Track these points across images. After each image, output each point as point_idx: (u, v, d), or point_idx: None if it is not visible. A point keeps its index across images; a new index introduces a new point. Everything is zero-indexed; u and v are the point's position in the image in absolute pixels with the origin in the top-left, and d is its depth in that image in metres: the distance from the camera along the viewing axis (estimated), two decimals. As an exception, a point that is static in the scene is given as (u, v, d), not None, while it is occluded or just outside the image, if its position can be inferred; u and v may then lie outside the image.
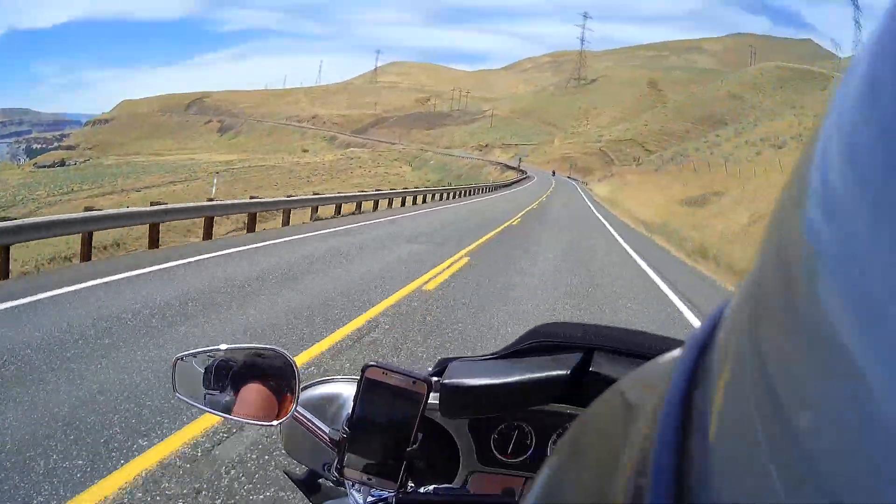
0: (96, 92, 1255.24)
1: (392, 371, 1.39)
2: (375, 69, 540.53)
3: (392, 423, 1.40)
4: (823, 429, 0.26)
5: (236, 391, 1.44)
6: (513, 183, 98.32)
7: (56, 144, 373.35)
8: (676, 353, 0.50)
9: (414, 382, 1.39)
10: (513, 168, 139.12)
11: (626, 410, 0.56)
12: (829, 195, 0.30)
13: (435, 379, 1.48)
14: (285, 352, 1.45)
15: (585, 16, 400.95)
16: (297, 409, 1.42)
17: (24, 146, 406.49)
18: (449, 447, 1.62)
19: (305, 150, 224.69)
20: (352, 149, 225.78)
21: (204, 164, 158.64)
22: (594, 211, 52.66)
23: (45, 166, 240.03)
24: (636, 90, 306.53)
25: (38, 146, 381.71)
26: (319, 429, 1.45)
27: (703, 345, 0.46)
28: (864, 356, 0.25)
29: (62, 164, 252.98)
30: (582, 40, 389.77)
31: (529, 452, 1.66)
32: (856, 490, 0.24)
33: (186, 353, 1.48)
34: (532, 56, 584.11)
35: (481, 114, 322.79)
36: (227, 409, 1.44)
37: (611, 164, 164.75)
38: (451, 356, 1.59)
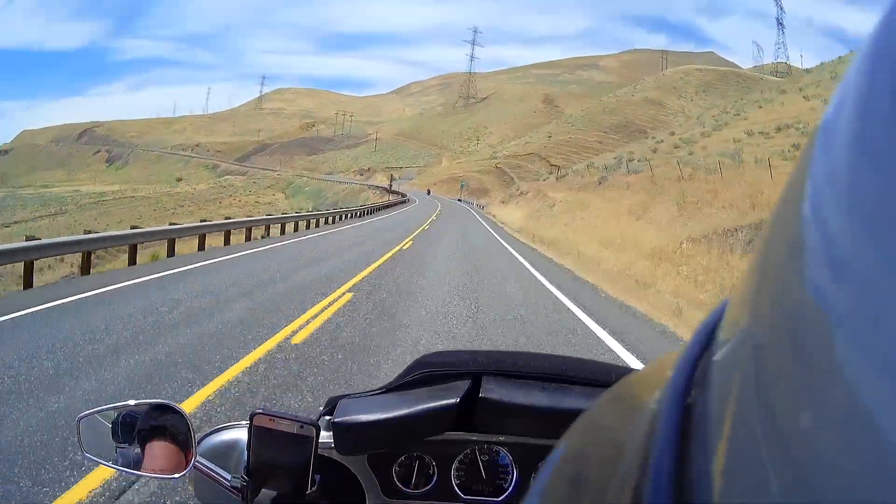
0: (3, 122, 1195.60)
1: (279, 417, 1.37)
2: (260, 96, 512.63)
3: (288, 466, 1.38)
4: (836, 480, 0.25)
5: (142, 445, 1.42)
6: (382, 208, 77.92)
7: None
8: (676, 353, 0.49)
9: (302, 426, 1.37)
10: (394, 192, 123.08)
11: (627, 410, 0.55)
12: (834, 253, 0.28)
13: (327, 418, 1.48)
14: (178, 405, 1.42)
15: (475, 31, 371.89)
16: (197, 459, 1.39)
17: None
18: (353, 484, 1.59)
19: (179, 179, 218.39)
20: (227, 177, 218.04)
21: (86, 196, 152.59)
22: (522, 264, 23.50)
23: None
24: (530, 106, 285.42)
25: None
26: (222, 477, 1.42)
27: (703, 346, 0.45)
28: (888, 418, 0.23)
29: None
30: (471, 56, 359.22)
31: (433, 482, 1.63)
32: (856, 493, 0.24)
33: (89, 411, 1.45)
34: (420, 80, 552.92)
35: (365, 138, 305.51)
36: (137, 463, 1.42)
37: (509, 182, 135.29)
38: (340, 393, 1.58)
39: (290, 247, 25.41)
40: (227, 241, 26.78)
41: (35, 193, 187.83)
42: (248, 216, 34.68)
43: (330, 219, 48.59)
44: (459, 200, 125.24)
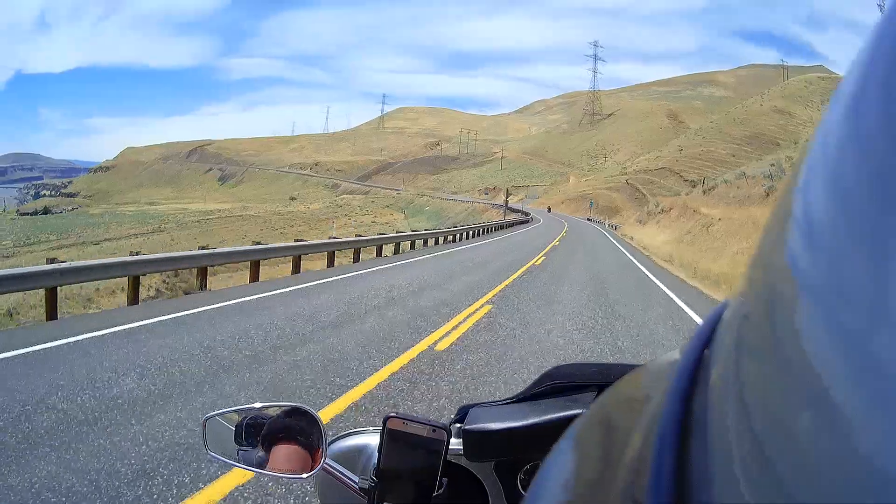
0: (106, 139, 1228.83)
1: (412, 421, 1.41)
2: (382, 115, 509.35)
3: (416, 470, 1.42)
4: (799, 462, 0.26)
5: (268, 448, 1.46)
6: (505, 227, 73.71)
7: (58, 191, 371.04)
8: (676, 353, 0.49)
9: (434, 430, 1.40)
10: (516, 210, 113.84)
11: (628, 410, 0.55)
12: (811, 223, 0.29)
13: (457, 425, 1.51)
14: (310, 409, 1.46)
15: (596, 45, 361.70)
16: (326, 461, 1.43)
17: (32, 192, 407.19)
18: (477, 490, 1.60)
19: (293, 198, 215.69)
20: (345, 196, 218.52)
21: (191, 214, 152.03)
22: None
23: (28, 214, 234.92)
24: (655, 122, 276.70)
25: (47, 192, 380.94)
26: (349, 479, 1.46)
27: (703, 345, 0.45)
28: (841, 387, 0.24)
29: (45, 212, 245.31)
30: (594, 71, 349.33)
31: None
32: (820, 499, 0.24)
33: (215, 412, 1.51)
34: (543, 98, 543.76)
35: (490, 156, 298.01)
36: (261, 464, 1.46)
37: (641, 199, 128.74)
38: (471, 403, 1.61)
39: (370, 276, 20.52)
40: (330, 263, 24.54)
41: (137, 210, 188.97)
42: (356, 236, 31.09)
43: (441, 239, 43.50)
44: (588, 220, 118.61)
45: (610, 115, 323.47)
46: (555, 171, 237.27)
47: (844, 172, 0.28)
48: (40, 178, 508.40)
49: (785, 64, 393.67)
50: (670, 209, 64.29)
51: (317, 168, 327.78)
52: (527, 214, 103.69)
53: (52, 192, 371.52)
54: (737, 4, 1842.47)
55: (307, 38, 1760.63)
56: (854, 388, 0.24)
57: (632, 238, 60.61)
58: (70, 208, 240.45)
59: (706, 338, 0.45)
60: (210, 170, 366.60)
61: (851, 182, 0.27)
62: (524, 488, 1.58)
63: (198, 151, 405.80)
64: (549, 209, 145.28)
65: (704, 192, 68.12)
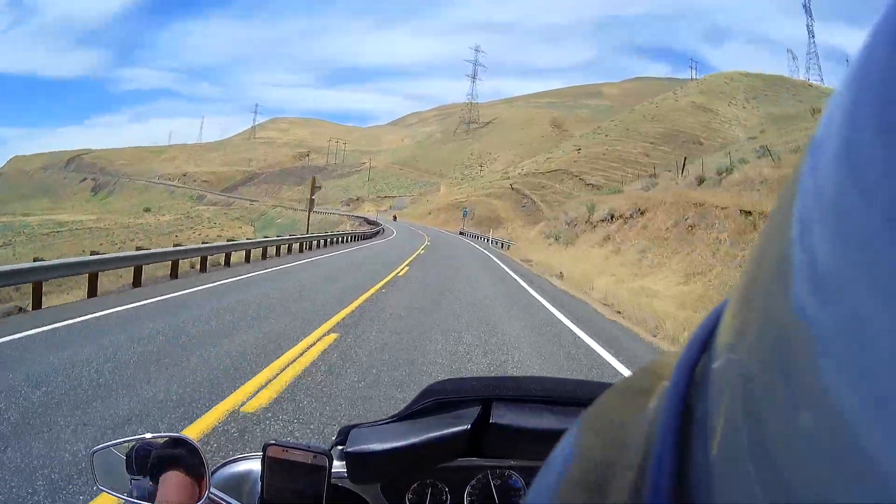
0: (4, 150, 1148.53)
1: (292, 448, 1.35)
2: (254, 125, 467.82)
3: (301, 497, 1.35)
4: (818, 490, 0.24)
5: (155, 479, 1.40)
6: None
7: None
8: (676, 354, 0.47)
9: (315, 456, 1.34)
10: (371, 222, 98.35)
11: (627, 411, 0.54)
12: (819, 274, 0.27)
13: (340, 448, 1.46)
14: (190, 438, 1.41)
15: (477, 50, 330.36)
16: (211, 491, 1.36)
17: None
18: None
19: (147, 210, 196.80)
20: (199, 207, 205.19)
21: (46, 226, 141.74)
22: None
23: None
24: (537, 130, 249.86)
25: None
26: None
27: (703, 346, 0.44)
28: (870, 434, 0.23)
29: None
30: (473, 76, 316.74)
31: None
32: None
33: (102, 445, 1.44)
34: (419, 111, 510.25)
35: (359, 167, 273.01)
36: (151, 496, 1.38)
37: (531, 207, 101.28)
38: (352, 423, 1.56)
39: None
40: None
41: (8, 221, 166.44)
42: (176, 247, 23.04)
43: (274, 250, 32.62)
44: (462, 234, 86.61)
45: (487, 123, 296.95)
46: (425, 181, 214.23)
47: (850, 221, 0.26)
48: None
49: (672, 78, 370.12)
50: (632, 215, 31.06)
51: (184, 179, 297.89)
52: (377, 225, 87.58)
53: None
54: (631, 20, 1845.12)
55: (198, 51, 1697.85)
56: (884, 433, 0.22)
57: (560, 275, 26.40)
58: None
59: (706, 338, 0.44)
60: (84, 179, 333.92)
61: (860, 232, 0.26)
62: None
63: (75, 160, 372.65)
64: (395, 217, 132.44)
65: (648, 187, 42.61)
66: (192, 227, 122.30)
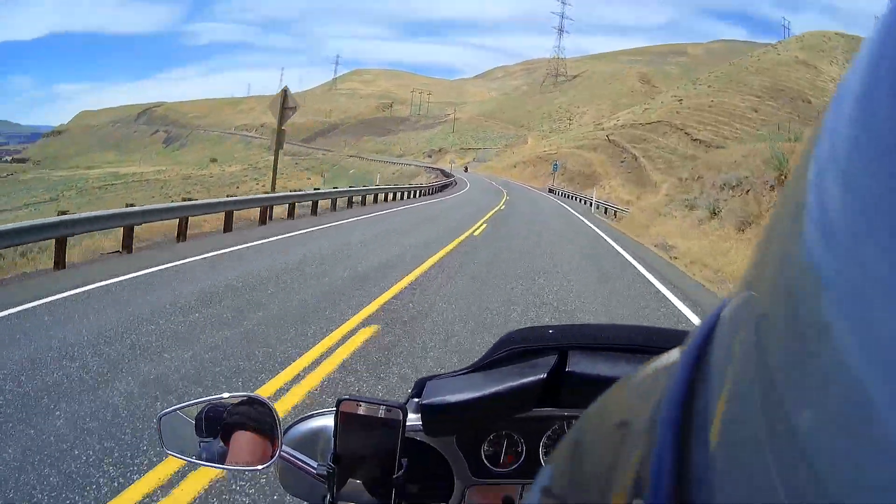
0: (71, 105, 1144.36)
1: (365, 402, 1.34)
2: (335, 76, 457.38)
3: (375, 452, 1.35)
4: (824, 434, 0.25)
5: (226, 439, 1.40)
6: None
7: (8, 158, 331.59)
8: (676, 352, 0.48)
9: (388, 410, 1.33)
10: (447, 174, 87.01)
11: (627, 410, 0.53)
12: (827, 220, 0.28)
13: (415, 400, 1.45)
14: (263, 397, 1.40)
15: (563, 2, 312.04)
16: (283, 449, 1.36)
17: None
18: (441, 465, 1.53)
19: (214, 160, 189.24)
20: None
21: (103, 179, 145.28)
22: None
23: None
24: (626, 85, 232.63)
25: (8, 158, 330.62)
26: (308, 465, 1.39)
27: (703, 345, 0.43)
28: (868, 375, 0.23)
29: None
30: (560, 29, 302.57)
31: (521, 459, 1.57)
32: (856, 493, 0.23)
33: (169, 408, 1.43)
34: (504, 65, 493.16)
35: (443, 118, 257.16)
36: (221, 458, 1.39)
37: (633, 163, 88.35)
38: (428, 375, 1.54)
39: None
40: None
41: (68, 175, 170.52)
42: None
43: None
44: (551, 191, 72.95)
45: (575, 76, 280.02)
46: (511, 133, 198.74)
47: (857, 170, 0.27)
48: (6, 143, 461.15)
49: (752, 41, 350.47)
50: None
51: (262, 130, 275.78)
52: (449, 176, 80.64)
53: (9, 159, 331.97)
54: None
55: (274, 3, 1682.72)
56: (885, 382, 0.23)
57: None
58: (4, 174, 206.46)
59: (705, 337, 0.43)
60: (156, 132, 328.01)
61: (865, 180, 0.26)
62: (488, 460, 1.53)
63: (146, 114, 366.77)
64: (466, 168, 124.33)
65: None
66: (255, 179, 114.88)
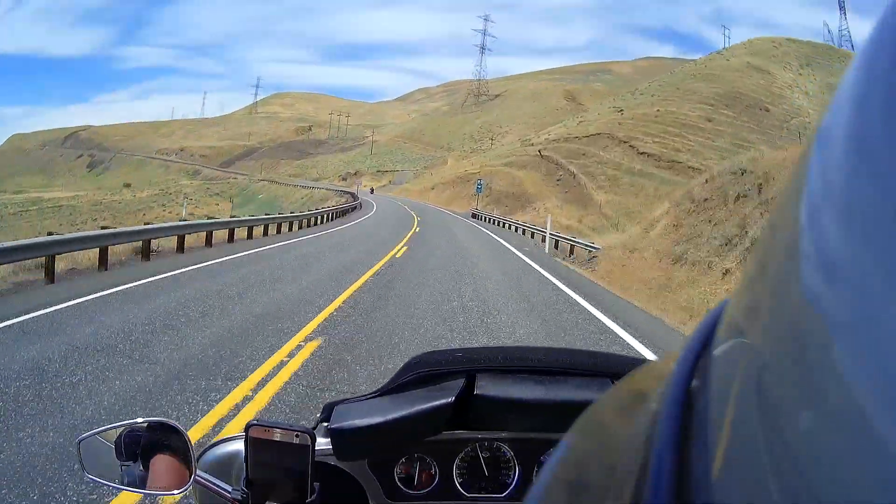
0: (6, 128, 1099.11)
1: (273, 427, 1.31)
2: (255, 100, 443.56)
3: (286, 476, 1.31)
4: (833, 474, 0.24)
5: (146, 464, 1.37)
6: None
7: None
8: (675, 354, 0.46)
9: (297, 435, 1.30)
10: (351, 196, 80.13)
11: (628, 411, 0.52)
12: (830, 261, 0.27)
13: (324, 425, 1.43)
14: (175, 423, 1.36)
15: (486, 18, 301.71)
16: (198, 474, 1.32)
17: None
18: (355, 488, 1.51)
19: (127, 185, 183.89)
20: (182, 182, 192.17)
21: (17, 205, 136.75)
22: None
23: None
24: (550, 103, 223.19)
25: None
26: (223, 490, 1.34)
27: (702, 348, 0.43)
28: (883, 419, 0.22)
29: None
30: (482, 47, 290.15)
31: (435, 481, 1.55)
32: (856, 493, 0.23)
33: (89, 433, 1.39)
34: (426, 87, 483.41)
35: (362, 140, 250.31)
36: (142, 482, 1.36)
37: (573, 181, 73.91)
38: (336, 399, 1.52)
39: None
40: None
41: None
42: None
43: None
44: (475, 217, 59.15)
45: (497, 96, 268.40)
46: (431, 155, 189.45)
47: (859, 206, 0.26)
48: None
49: (681, 59, 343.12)
50: None
51: (182, 154, 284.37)
52: (355, 199, 73.52)
53: None
54: (635, 1, 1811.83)
55: (201, 28, 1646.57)
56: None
57: None
58: None
59: (704, 340, 0.43)
60: (80, 156, 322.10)
61: (870, 216, 0.25)
62: (402, 482, 1.51)
63: (72, 137, 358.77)
64: (372, 190, 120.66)
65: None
66: (163, 205, 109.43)
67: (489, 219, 55.42)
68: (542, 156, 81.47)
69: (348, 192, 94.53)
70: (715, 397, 0.36)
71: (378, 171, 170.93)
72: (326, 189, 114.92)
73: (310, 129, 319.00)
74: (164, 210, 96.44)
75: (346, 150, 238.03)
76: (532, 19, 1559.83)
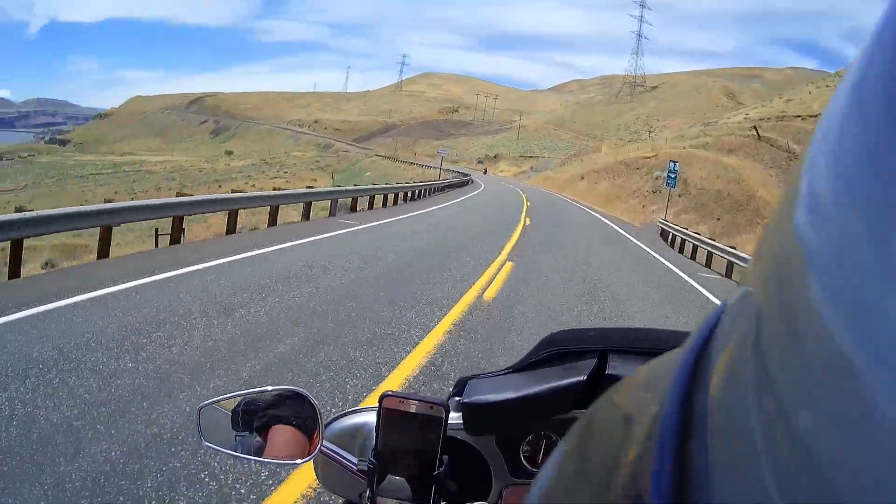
0: (134, 90, 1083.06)
1: (408, 399, 1.29)
2: (401, 77, 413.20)
3: (416, 448, 1.30)
4: (823, 428, 0.23)
5: (264, 434, 1.34)
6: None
7: (47, 138, 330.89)
8: (678, 351, 0.44)
9: (431, 407, 1.28)
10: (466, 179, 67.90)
11: (628, 410, 0.50)
12: (815, 199, 0.27)
13: (456, 399, 1.39)
14: (305, 391, 1.34)
15: (642, 4, 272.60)
16: (324, 444, 1.31)
17: (47, 136, 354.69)
18: (480, 464, 1.47)
19: (229, 153, 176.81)
20: (296, 154, 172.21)
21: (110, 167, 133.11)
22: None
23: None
24: (710, 99, 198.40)
25: (60, 137, 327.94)
26: (348, 461, 1.34)
27: (704, 344, 0.41)
28: (856, 351, 0.22)
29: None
30: (638, 34, 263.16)
31: None
32: (856, 490, 0.21)
33: (208, 401, 1.37)
34: (580, 78, 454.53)
35: (509, 124, 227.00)
36: (258, 451, 1.33)
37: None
38: (469, 374, 1.46)
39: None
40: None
41: (93, 160, 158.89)
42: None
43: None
44: (665, 239, 28.90)
45: (654, 88, 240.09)
46: (582, 143, 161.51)
47: (845, 148, 0.26)
48: (64, 123, 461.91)
49: (823, 70, 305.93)
50: None
51: (315, 126, 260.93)
52: (465, 175, 70.32)
53: (45, 140, 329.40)
54: (782, 12, 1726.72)
55: (350, 5, 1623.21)
56: (866, 350, 0.21)
57: None
58: (25, 155, 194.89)
59: (706, 337, 0.41)
60: (205, 122, 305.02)
61: (851, 157, 0.25)
62: (527, 460, 1.48)
63: (197, 102, 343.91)
64: (486, 171, 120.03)
65: None
66: (249, 176, 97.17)
67: (709, 257, 23.04)
68: (759, 136, 51.64)
69: (461, 173, 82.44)
70: (715, 395, 0.34)
71: (521, 156, 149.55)
72: (456, 171, 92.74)
73: (456, 111, 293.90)
74: (246, 183, 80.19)
75: (490, 134, 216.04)
76: (682, 23, 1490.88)
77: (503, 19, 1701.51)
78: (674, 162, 34.78)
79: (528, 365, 1.39)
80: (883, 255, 0.22)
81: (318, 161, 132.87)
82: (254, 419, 1.32)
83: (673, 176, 33.50)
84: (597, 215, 38.94)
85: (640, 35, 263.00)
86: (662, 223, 32.13)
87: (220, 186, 71.18)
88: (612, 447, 0.45)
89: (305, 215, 20.57)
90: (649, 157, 53.51)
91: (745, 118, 65.95)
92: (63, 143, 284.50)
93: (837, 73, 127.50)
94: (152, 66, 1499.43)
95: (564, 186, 70.52)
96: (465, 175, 74.33)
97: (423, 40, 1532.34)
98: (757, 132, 52.05)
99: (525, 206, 36.45)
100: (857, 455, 0.21)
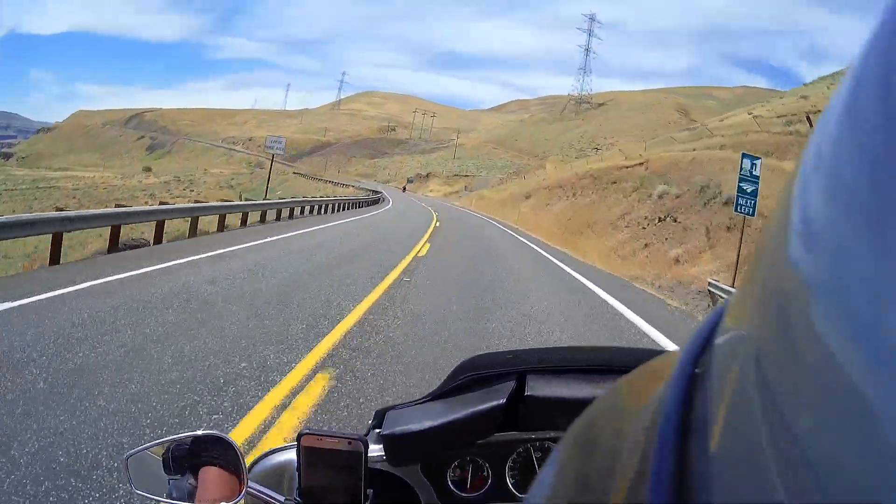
0: (85, 104, 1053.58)
1: (326, 435, 1.26)
2: (339, 95, 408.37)
3: (340, 484, 1.27)
4: (825, 437, 0.23)
5: (195, 475, 1.31)
6: None
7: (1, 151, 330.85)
8: (676, 353, 0.45)
9: (350, 443, 1.26)
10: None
11: (628, 410, 0.50)
12: (811, 228, 0.26)
13: (376, 431, 1.40)
14: (225, 436, 1.31)
15: (592, 18, 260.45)
16: (249, 485, 1.27)
17: None
18: (409, 493, 1.45)
19: (148, 169, 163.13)
20: (214, 171, 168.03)
21: (46, 181, 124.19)
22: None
23: None
24: (661, 115, 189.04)
25: (5, 151, 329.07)
26: (275, 500, 1.31)
27: (703, 346, 0.41)
28: (861, 375, 0.21)
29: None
30: (586, 49, 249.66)
31: (488, 484, 1.49)
32: (856, 492, 0.21)
33: (135, 449, 1.34)
34: (524, 98, 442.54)
35: (446, 143, 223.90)
36: (190, 495, 1.30)
37: None
38: (386, 406, 1.47)
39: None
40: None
41: (24, 175, 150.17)
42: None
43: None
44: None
45: (601, 105, 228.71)
46: (523, 162, 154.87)
47: (841, 169, 0.25)
48: (15, 136, 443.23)
49: (777, 90, 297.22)
50: None
51: (249, 144, 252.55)
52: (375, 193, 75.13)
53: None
54: (736, 29, 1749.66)
55: (298, 23, 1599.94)
56: (876, 378, 0.21)
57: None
58: None
59: (706, 336, 0.41)
60: (142, 137, 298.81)
61: (849, 178, 0.24)
62: (455, 485, 1.46)
63: (136, 118, 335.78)
64: (405, 188, 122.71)
65: None
66: (150, 195, 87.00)
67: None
68: (811, 123, 31.63)
69: (372, 191, 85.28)
70: (715, 395, 0.34)
71: (454, 175, 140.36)
72: (370, 190, 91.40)
73: (393, 129, 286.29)
74: (151, 199, 71.23)
75: (426, 153, 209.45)
76: (631, 42, 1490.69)
77: (452, 39, 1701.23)
78: (752, 159, 15.73)
79: (446, 391, 1.39)
80: (890, 277, 0.22)
81: (233, 178, 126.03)
82: (184, 463, 1.30)
83: (750, 191, 15.22)
84: (564, 267, 19.24)
85: (588, 49, 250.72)
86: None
87: (116, 204, 53.95)
88: (612, 448, 0.45)
89: (193, 230, 20.34)
90: (632, 166, 33.98)
91: (750, 116, 48.72)
92: (7, 156, 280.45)
93: (793, 91, 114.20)
94: (107, 80, 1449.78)
95: (501, 208, 53.70)
96: (377, 193, 73.24)
97: (371, 59, 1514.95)
98: (808, 120, 34.15)
99: (418, 249, 18.40)
100: (857, 457, 0.21)
